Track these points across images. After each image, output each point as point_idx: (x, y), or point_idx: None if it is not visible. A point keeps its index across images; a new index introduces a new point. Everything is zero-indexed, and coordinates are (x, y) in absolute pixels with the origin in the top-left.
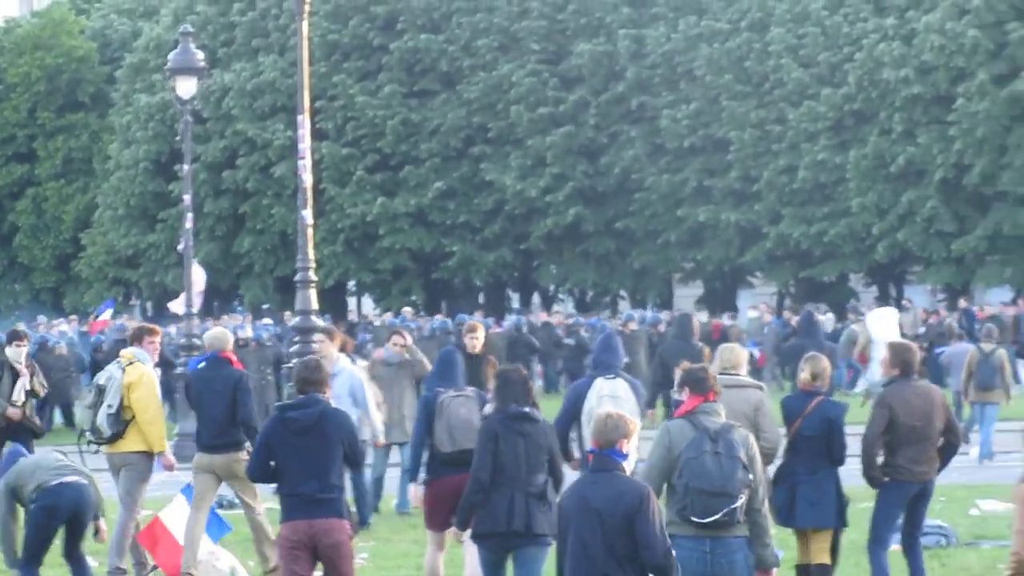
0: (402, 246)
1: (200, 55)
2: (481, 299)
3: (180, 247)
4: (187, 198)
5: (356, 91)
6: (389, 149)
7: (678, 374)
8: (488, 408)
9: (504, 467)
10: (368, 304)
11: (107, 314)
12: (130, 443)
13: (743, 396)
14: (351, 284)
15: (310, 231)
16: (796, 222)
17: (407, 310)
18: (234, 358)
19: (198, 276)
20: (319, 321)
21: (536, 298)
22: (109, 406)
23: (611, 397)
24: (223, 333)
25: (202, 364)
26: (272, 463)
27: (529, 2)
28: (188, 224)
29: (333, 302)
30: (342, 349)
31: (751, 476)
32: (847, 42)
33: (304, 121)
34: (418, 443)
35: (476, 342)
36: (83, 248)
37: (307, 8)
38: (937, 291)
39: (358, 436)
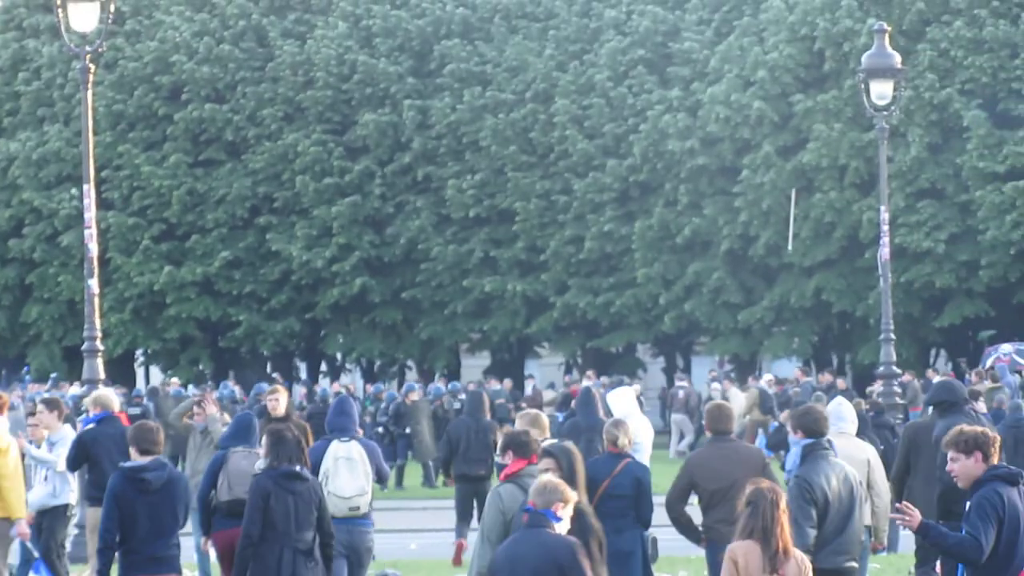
0: (189, 315)
1: None
2: (268, 368)
3: None
4: None
5: (142, 160)
6: (175, 218)
7: (499, 438)
8: (260, 465)
9: (275, 523)
10: (156, 373)
11: None
12: None
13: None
14: (139, 353)
15: (96, 300)
16: (582, 292)
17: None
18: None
19: None
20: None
21: (323, 367)
22: None
23: (346, 459)
24: (110, 393)
25: (91, 425)
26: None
27: (314, 72)
28: None
29: (121, 371)
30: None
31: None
32: (632, 113)
33: (89, 190)
34: (202, 496)
35: (277, 404)
36: None
37: (92, 78)
38: (724, 362)
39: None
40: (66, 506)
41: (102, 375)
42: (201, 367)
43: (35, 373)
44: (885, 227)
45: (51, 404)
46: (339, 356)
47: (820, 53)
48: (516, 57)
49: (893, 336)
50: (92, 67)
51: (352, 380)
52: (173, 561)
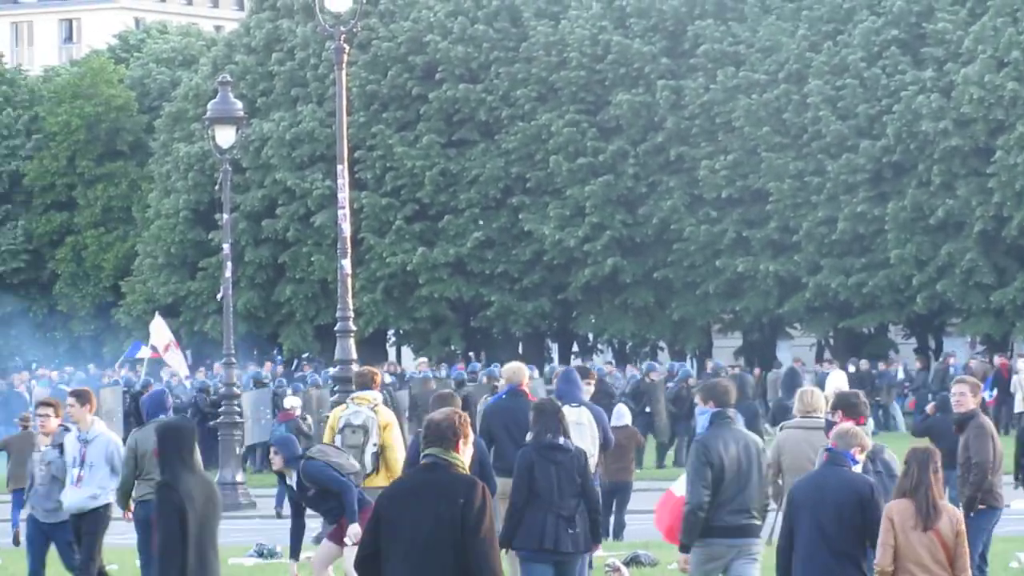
0: (441, 295)
1: (239, 104)
2: (520, 349)
3: (220, 296)
4: (227, 247)
5: (395, 141)
6: (428, 199)
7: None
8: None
9: (538, 492)
10: (407, 353)
11: (144, 351)
12: (381, 479)
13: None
14: (390, 333)
15: (349, 280)
16: (835, 273)
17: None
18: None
19: (158, 330)
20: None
21: (575, 347)
22: (374, 444)
23: (576, 423)
24: (520, 367)
25: (503, 397)
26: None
27: (568, 52)
28: (228, 273)
29: (372, 351)
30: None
31: None
32: (885, 94)
33: (343, 171)
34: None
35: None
36: (123, 296)
37: (346, 58)
38: (976, 342)
39: None
40: (107, 506)
41: (354, 355)
42: (452, 347)
43: (287, 352)
44: None
45: (82, 397)
46: (591, 336)
47: None
48: (769, 37)
49: None
50: (346, 47)
51: (604, 360)
52: None
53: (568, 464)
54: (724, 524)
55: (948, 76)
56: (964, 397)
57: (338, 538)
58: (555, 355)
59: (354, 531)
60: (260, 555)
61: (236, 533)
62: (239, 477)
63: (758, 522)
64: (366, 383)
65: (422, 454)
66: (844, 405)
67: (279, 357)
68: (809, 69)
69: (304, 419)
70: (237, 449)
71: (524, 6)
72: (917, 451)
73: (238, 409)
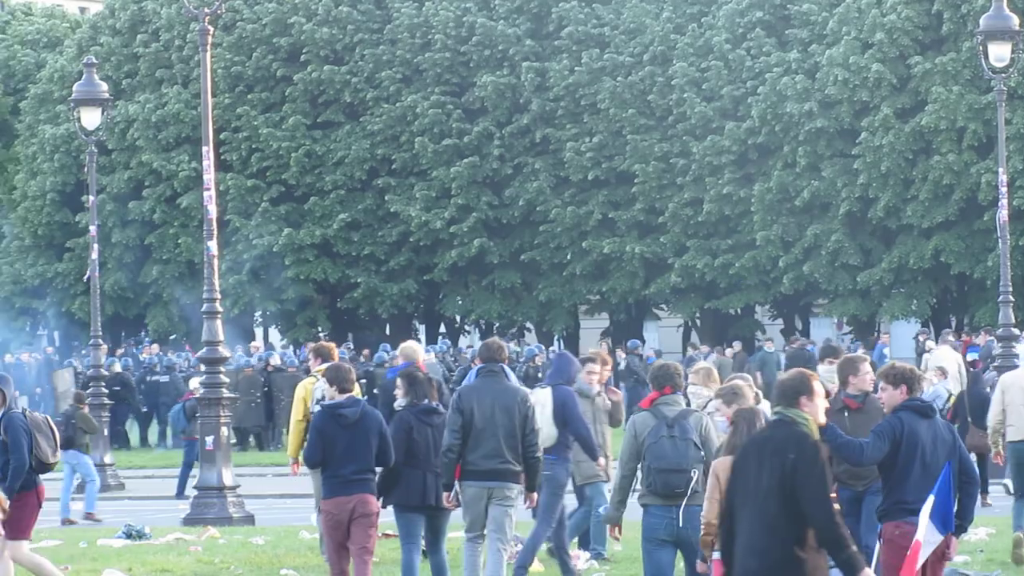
0: (307, 277)
1: (104, 86)
2: (387, 330)
3: (87, 277)
4: (93, 228)
5: (260, 123)
6: (294, 180)
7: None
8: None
9: (416, 453)
10: (275, 335)
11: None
12: None
13: None
14: (257, 315)
15: (215, 262)
16: (701, 254)
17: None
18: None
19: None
20: (225, 351)
21: (442, 329)
22: None
23: (539, 404)
24: (415, 346)
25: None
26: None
27: (432, 34)
28: (94, 255)
29: (239, 332)
30: None
31: (702, 453)
32: (750, 76)
33: (208, 152)
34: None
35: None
36: None
37: (210, 40)
38: (843, 323)
39: None
40: None
41: (221, 336)
42: (319, 329)
43: (153, 334)
44: (1004, 189)
45: None
46: (457, 318)
47: (938, 15)
48: (634, 19)
49: (1012, 298)
50: (211, 29)
51: (471, 342)
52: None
53: (441, 425)
54: (476, 468)
55: (813, 58)
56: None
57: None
58: (422, 336)
59: None
60: (128, 536)
61: (105, 514)
62: (107, 459)
63: (514, 467)
64: (327, 357)
65: (773, 411)
66: (655, 376)
67: (147, 339)
68: (674, 51)
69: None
70: (105, 430)
71: None
72: (744, 411)
73: (105, 391)
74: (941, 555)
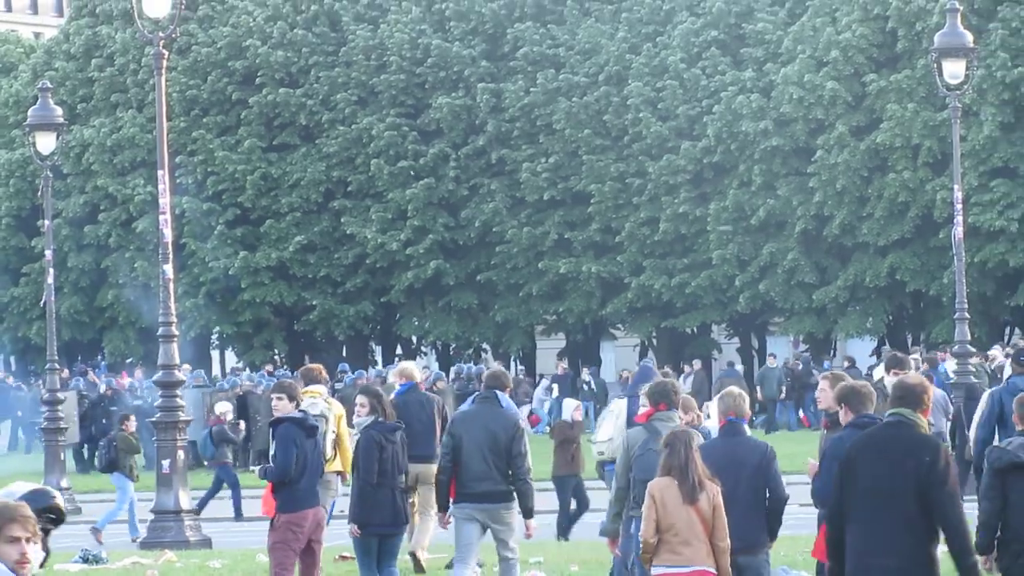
0: (263, 299)
1: (59, 111)
2: (344, 352)
3: (43, 302)
4: (49, 253)
5: (216, 146)
6: (249, 203)
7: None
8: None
9: (385, 470)
10: (231, 357)
11: None
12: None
13: None
14: (214, 337)
15: (171, 285)
16: (657, 273)
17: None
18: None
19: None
20: (180, 375)
21: (399, 350)
22: (333, 432)
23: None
24: (412, 366)
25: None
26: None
27: (387, 56)
28: (50, 279)
29: (196, 355)
30: None
31: None
32: (706, 95)
33: (164, 176)
34: None
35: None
36: None
37: (165, 63)
38: (799, 341)
39: None
40: None
41: (177, 359)
42: (275, 351)
43: (110, 357)
44: (959, 206)
45: None
46: (414, 339)
47: (893, 33)
48: (589, 40)
49: (967, 315)
50: (165, 53)
51: (428, 363)
52: None
53: (401, 444)
54: (469, 491)
55: (768, 76)
56: (824, 393)
57: None
58: (379, 358)
59: None
60: (85, 560)
61: (61, 538)
62: (64, 483)
63: (504, 487)
64: (314, 378)
65: (889, 412)
66: (653, 393)
67: (103, 363)
68: (629, 71)
69: (236, 424)
70: (61, 454)
71: (343, 10)
72: (679, 432)
73: (61, 414)
74: None
